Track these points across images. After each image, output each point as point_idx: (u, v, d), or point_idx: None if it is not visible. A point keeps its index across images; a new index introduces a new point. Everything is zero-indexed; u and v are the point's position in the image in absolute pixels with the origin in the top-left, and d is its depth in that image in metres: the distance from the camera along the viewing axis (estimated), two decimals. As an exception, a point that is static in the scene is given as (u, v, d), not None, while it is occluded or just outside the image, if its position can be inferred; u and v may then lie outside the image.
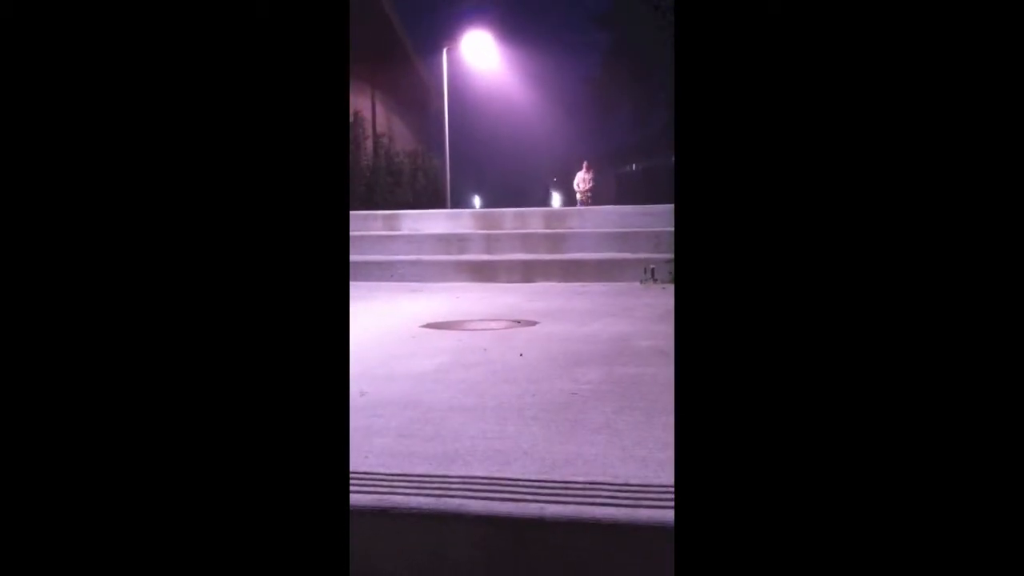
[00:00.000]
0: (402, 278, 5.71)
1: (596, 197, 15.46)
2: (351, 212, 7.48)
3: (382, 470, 1.32)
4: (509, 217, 7.00)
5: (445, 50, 14.08)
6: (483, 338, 3.00)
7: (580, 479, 1.27)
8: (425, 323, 3.44)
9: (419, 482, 1.26)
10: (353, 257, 6.12)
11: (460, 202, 15.77)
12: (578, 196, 15.25)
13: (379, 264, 5.95)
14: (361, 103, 12.16)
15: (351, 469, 1.33)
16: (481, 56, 14.96)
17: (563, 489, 1.23)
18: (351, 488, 1.24)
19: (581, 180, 15.22)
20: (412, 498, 1.20)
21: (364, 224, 7.03)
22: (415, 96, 15.24)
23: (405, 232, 6.82)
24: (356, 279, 5.67)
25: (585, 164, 15.55)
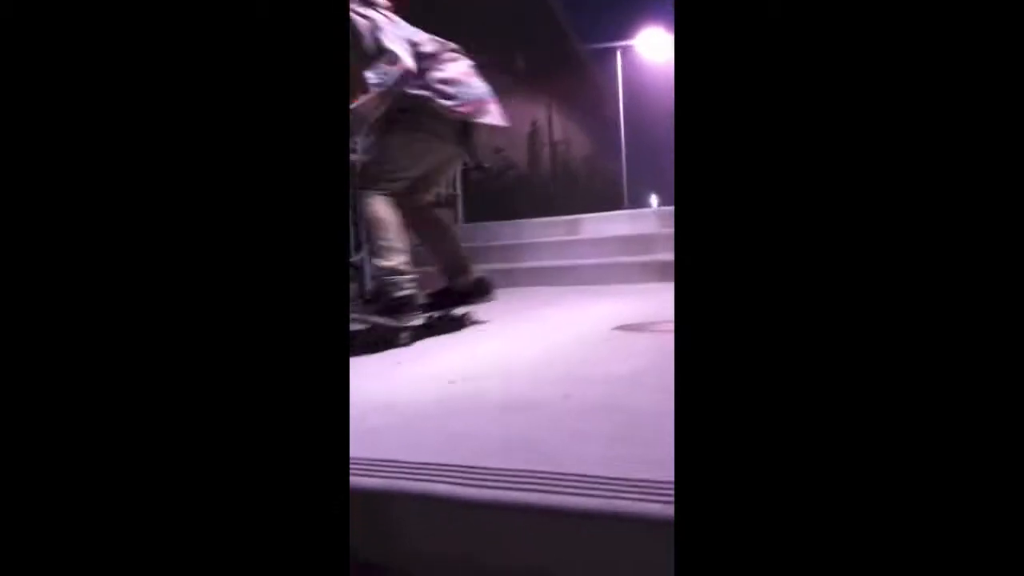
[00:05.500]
0: (586, 281, 5.74)
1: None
2: (532, 220, 7.67)
3: (604, 473, 1.32)
4: (694, 215, 6.74)
5: (619, 52, 13.99)
6: (680, 341, 2.91)
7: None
8: (616, 325, 3.41)
9: (643, 486, 1.24)
10: (537, 263, 6.26)
11: (638, 202, 15.50)
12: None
13: (562, 269, 6.03)
14: (538, 113, 12.48)
15: (571, 471, 1.34)
16: (656, 53, 14.63)
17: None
18: (571, 491, 1.26)
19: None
20: (637, 503, 1.19)
21: (545, 231, 7.16)
22: (590, 101, 15.33)
23: (587, 236, 6.84)
24: (541, 284, 5.80)
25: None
